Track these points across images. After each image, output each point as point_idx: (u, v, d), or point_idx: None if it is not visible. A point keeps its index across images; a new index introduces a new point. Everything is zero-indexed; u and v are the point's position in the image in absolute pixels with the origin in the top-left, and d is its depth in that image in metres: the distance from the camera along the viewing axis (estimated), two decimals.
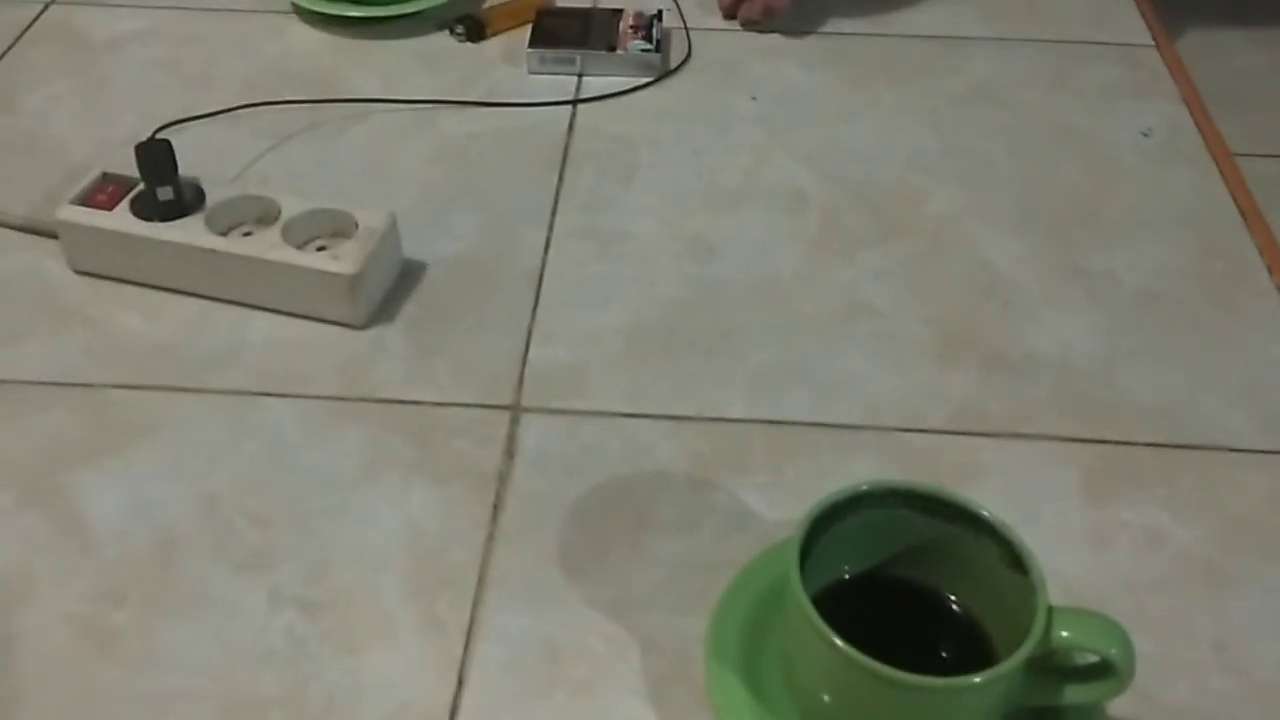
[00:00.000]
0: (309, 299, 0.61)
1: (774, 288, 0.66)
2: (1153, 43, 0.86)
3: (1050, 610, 0.42)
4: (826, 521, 0.45)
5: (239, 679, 0.48)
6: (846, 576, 0.47)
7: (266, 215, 0.63)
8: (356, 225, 0.62)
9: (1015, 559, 0.44)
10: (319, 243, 0.63)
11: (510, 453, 0.57)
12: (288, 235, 0.61)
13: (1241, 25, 0.87)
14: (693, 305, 0.65)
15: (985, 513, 0.45)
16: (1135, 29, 0.88)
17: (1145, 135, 0.77)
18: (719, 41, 0.86)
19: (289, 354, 0.61)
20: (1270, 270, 0.67)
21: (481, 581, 0.51)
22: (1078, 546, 0.53)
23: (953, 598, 0.47)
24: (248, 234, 0.63)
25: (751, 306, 0.65)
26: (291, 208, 0.62)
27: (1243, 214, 0.71)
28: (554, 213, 0.71)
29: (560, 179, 0.73)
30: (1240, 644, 0.49)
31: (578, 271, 0.67)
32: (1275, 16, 0.87)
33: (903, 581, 0.48)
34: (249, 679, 0.48)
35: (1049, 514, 0.55)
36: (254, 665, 0.48)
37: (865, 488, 0.46)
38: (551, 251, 0.68)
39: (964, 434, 0.58)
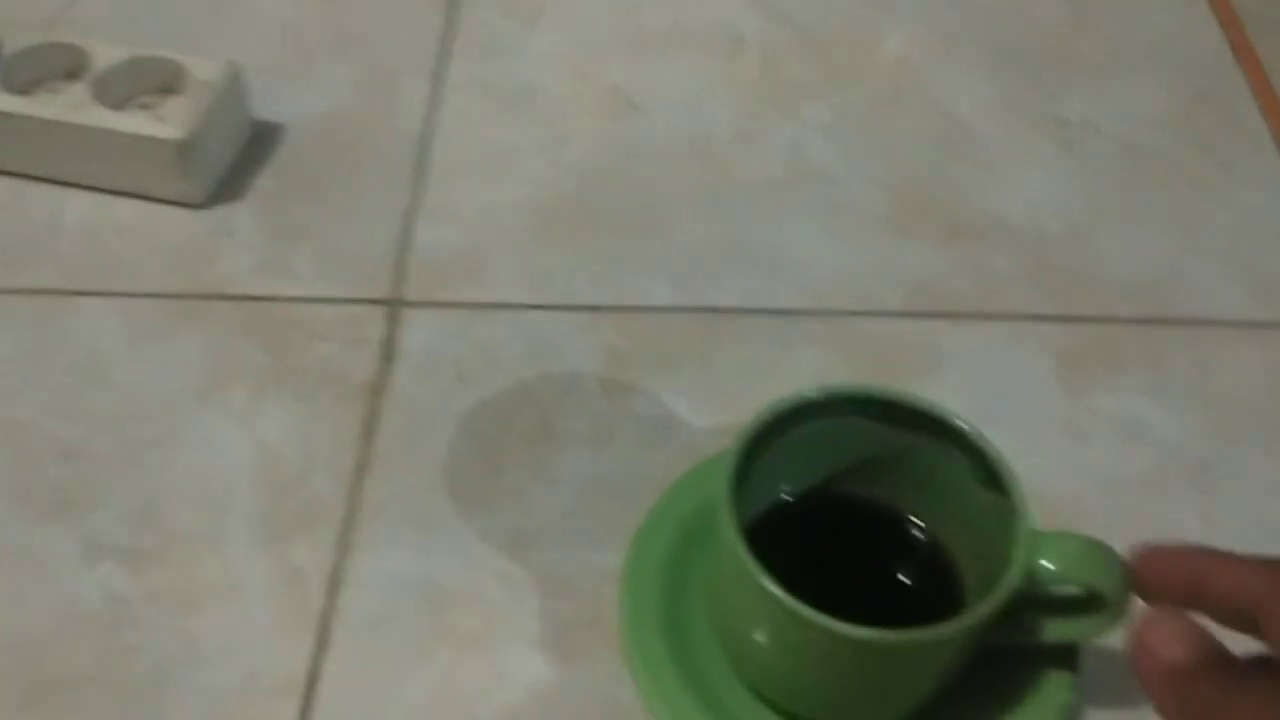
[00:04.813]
0: (132, 172, 0.50)
1: (706, 149, 0.57)
2: None
3: (1032, 535, 0.35)
4: (764, 438, 0.37)
5: (44, 653, 0.39)
6: (789, 499, 0.39)
7: (77, 67, 0.52)
8: (188, 77, 0.51)
9: (990, 475, 0.37)
10: (145, 100, 0.52)
11: (388, 357, 0.48)
12: (101, 92, 0.50)
13: None
14: (611, 173, 0.55)
15: (955, 421, 0.37)
16: None
17: None
18: None
19: (110, 241, 0.51)
20: (1265, 115, 0.59)
21: (350, 517, 0.43)
22: (1051, 442, 0.46)
23: (915, 520, 0.40)
24: (54, 92, 0.52)
25: (680, 173, 0.56)
26: (105, 57, 0.51)
27: (1235, 52, 0.63)
28: (444, 62, 0.60)
29: (452, 20, 0.62)
30: (1229, 544, 0.43)
31: (472, 134, 0.57)
32: None
33: (856, 502, 0.40)
34: (56, 652, 0.39)
35: (1018, 406, 0.48)
36: (63, 634, 0.39)
37: (811, 395, 0.37)
38: (439, 110, 0.58)
39: (923, 316, 0.50)
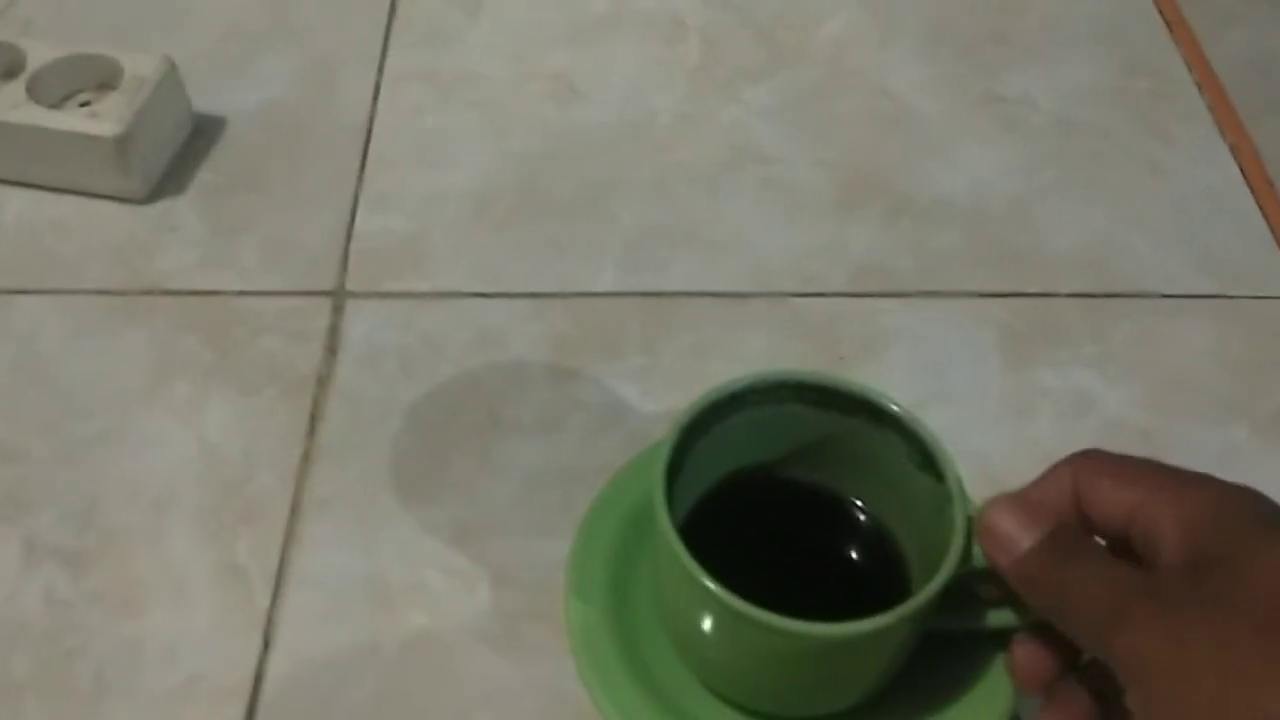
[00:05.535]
0: (71, 169, 0.50)
1: (648, 133, 0.57)
2: None
3: (970, 522, 0.35)
4: (700, 426, 0.37)
5: None
6: (728, 485, 0.39)
7: (13, 66, 0.51)
8: (124, 73, 0.50)
9: (927, 459, 0.37)
10: (83, 97, 0.51)
11: (332, 349, 0.47)
12: (36, 90, 0.50)
13: None
14: (554, 159, 0.55)
15: (890, 405, 0.38)
16: None
17: None
18: None
19: (49, 239, 0.50)
20: (1199, 87, 0.60)
21: (295, 512, 0.42)
22: (996, 419, 0.47)
23: (858, 503, 0.40)
24: None
25: (623, 157, 0.55)
26: (40, 56, 0.50)
27: (1168, 24, 0.63)
28: (384, 51, 0.59)
29: (392, 9, 0.62)
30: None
31: (414, 123, 0.56)
32: None
33: (797, 487, 0.40)
34: None
35: (963, 383, 0.48)
36: (2, 640, 0.39)
37: (746, 383, 0.37)
38: (382, 99, 0.57)
39: (867, 295, 0.50)
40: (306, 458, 0.44)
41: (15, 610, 0.40)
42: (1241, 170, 0.56)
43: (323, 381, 0.46)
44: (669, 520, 0.34)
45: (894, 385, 0.46)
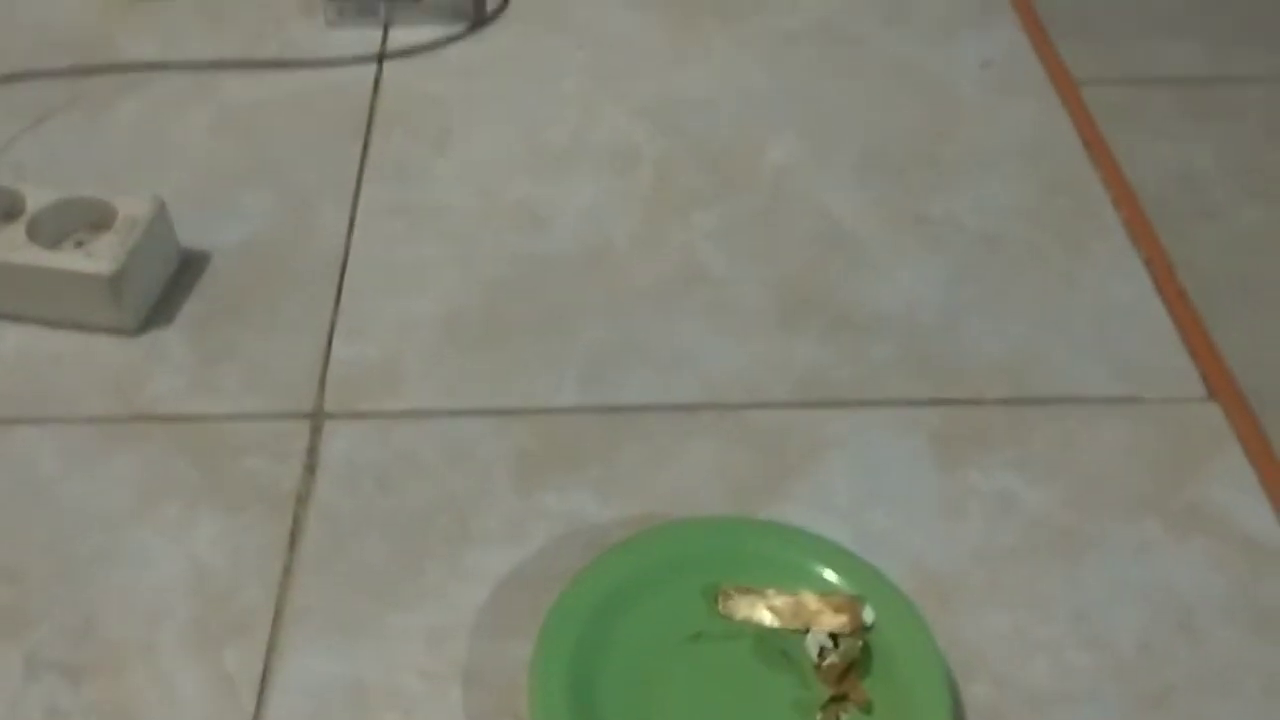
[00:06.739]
0: (68, 305, 0.54)
1: (606, 257, 0.61)
2: None
3: None
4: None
5: None
6: None
7: (13, 209, 0.55)
8: (116, 215, 0.54)
9: None
10: (78, 237, 0.55)
11: (311, 468, 0.51)
12: (36, 232, 0.54)
13: None
14: (517, 284, 0.59)
15: None
16: None
17: (984, 67, 0.74)
18: None
19: (47, 370, 0.54)
20: (1115, 204, 0.65)
21: (277, 621, 0.45)
22: (929, 519, 0.50)
23: None
24: None
25: (582, 280, 0.60)
26: (38, 200, 0.54)
27: (1086, 145, 0.68)
28: (358, 187, 0.64)
29: (365, 147, 0.66)
30: (1100, 613, 0.47)
31: (386, 253, 0.60)
32: None
33: None
34: None
35: (898, 487, 0.51)
36: None
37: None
38: (356, 232, 0.61)
39: (809, 406, 0.54)
40: (288, 570, 0.47)
41: None
42: (1154, 281, 0.60)
43: (302, 498, 0.49)
44: None
45: (835, 490, 0.50)
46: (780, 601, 0.45)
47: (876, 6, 0.78)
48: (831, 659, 0.43)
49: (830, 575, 0.46)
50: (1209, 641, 0.46)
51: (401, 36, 0.73)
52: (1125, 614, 0.47)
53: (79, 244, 0.55)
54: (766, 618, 0.45)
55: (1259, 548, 0.49)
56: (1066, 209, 0.65)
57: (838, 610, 0.44)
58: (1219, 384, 0.56)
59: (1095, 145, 0.69)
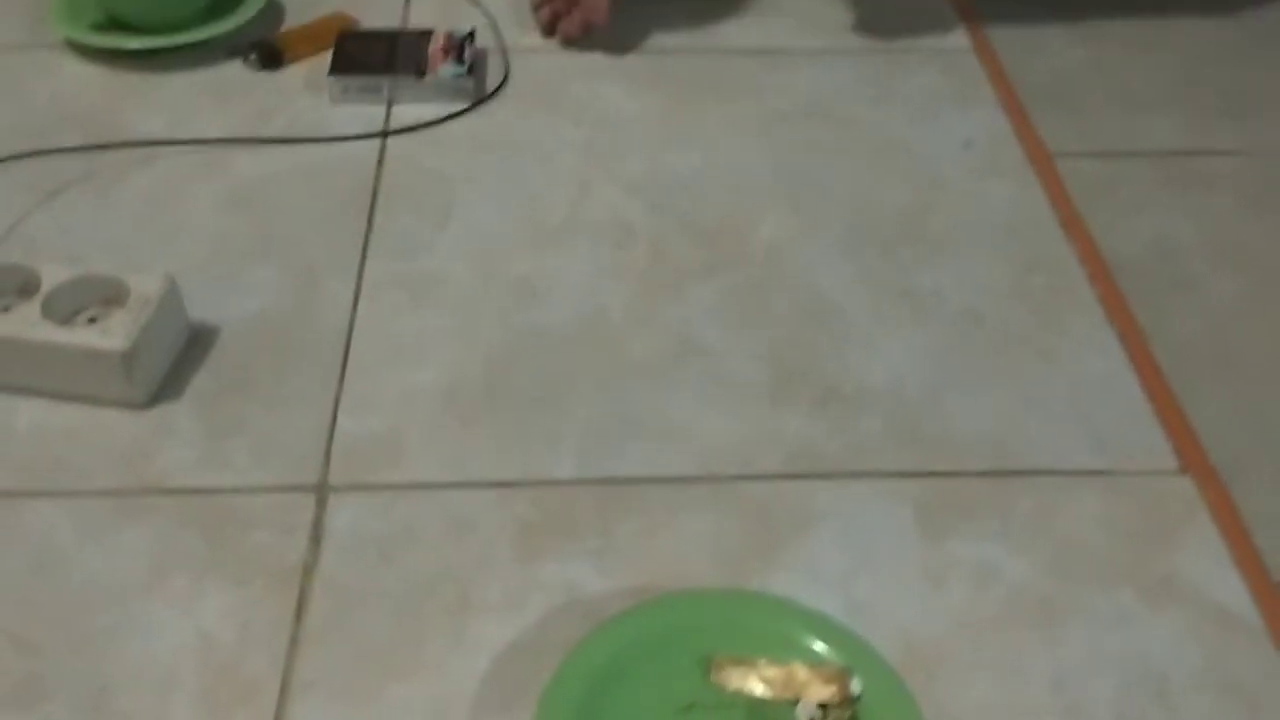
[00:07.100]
0: (79, 380, 0.55)
1: (602, 330, 0.63)
2: (971, 47, 0.86)
3: None
4: None
5: None
6: None
7: (27, 286, 0.57)
8: (129, 292, 0.56)
9: None
10: (90, 313, 0.57)
11: (316, 539, 0.52)
12: (50, 309, 0.55)
13: (1061, 21, 0.88)
14: (516, 356, 0.61)
15: None
16: (953, 33, 0.87)
17: (966, 147, 0.76)
18: (537, 62, 0.82)
19: (59, 445, 0.55)
20: (1091, 280, 0.67)
21: (284, 691, 0.47)
22: (913, 589, 0.52)
23: None
24: (6, 309, 0.56)
25: (579, 353, 0.62)
26: (53, 277, 0.56)
27: (1063, 225, 0.71)
28: (363, 261, 0.66)
29: (369, 222, 0.68)
30: (1078, 680, 0.49)
31: (390, 326, 0.62)
32: (1094, 10, 0.89)
33: None
34: None
35: (884, 557, 0.53)
36: None
37: None
38: (361, 305, 0.63)
39: (799, 477, 0.56)
40: (294, 641, 0.48)
41: None
42: (1129, 355, 0.63)
43: (308, 570, 0.51)
44: None
45: (824, 560, 0.52)
46: (772, 672, 0.46)
47: (864, 87, 0.81)
48: None
49: (819, 646, 0.47)
50: (1183, 710, 0.47)
51: (404, 114, 0.76)
52: (1102, 683, 0.48)
53: (92, 320, 0.56)
54: (758, 688, 0.46)
55: (1231, 618, 0.50)
56: (1044, 285, 0.67)
57: (827, 681, 0.46)
58: (1191, 458, 0.58)
59: (1071, 223, 0.71)
